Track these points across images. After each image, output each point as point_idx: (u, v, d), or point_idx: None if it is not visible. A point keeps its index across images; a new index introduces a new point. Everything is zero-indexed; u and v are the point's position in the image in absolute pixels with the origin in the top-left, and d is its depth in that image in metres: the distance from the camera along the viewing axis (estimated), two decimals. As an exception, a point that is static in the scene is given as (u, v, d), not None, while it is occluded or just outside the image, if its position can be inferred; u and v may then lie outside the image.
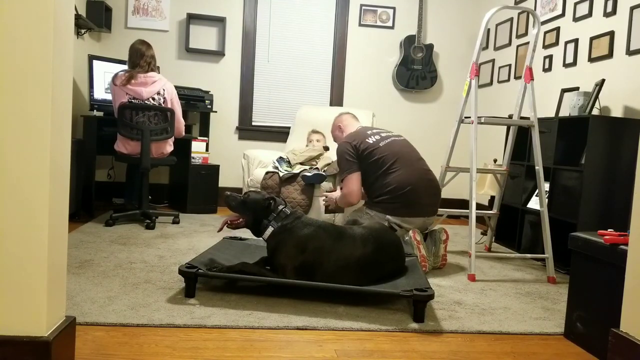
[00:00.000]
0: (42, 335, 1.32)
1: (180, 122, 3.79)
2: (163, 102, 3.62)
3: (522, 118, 3.31)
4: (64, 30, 1.35)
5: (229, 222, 2.33)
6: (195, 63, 4.83)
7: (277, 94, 5.01)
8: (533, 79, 3.06)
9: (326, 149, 4.11)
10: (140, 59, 3.58)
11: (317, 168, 3.91)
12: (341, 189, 3.13)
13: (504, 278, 2.77)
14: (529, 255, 3.02)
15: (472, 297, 2.38)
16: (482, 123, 3.02)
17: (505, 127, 3.80)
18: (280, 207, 2.33)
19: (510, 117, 3.70)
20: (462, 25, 5.07)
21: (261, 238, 2.33)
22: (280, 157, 4.01)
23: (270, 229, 2.27)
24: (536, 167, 2.92)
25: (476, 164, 2.94)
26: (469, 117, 2.99)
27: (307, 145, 4.30)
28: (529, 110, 3.02)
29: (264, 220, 2.29)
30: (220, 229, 2.37)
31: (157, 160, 3.69)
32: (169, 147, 3.76)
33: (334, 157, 4.05)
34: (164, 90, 3.63)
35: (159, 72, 3.84)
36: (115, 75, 3.57)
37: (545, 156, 3.31)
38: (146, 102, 3.54)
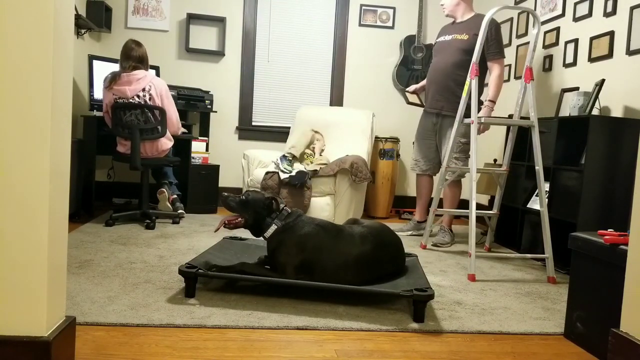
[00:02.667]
0: (42, 335, 1.32)
1: (173, 120, 3.73)
2: (149, 99, 3.55)
3: (522, 118, 3.32)
4: (64, 30, 1.35)
5: (226, 222, 2.31)
6: (195, 63, 4.83)
7: (277, 94, 5.01)
8: (533, 79, 3.06)
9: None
10: (126, 60, 3.57)
11: (315, 170, 3.89)
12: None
13: (504, 278, 2.77)
14: (529, 256, 3.06)
15: (472, 297, 2.38)
16: (481, 123, 3.06)
17: (505, 127, 3.80)
18: (282, 205, 2.34)
19: (511, 117, 3.70)
20: (462, 25, 5.06)
21: (261, 237, 2.33)
22: (283, 155, 4.02)
23: (273, 227, 2.26)
24: (536, 167, 2.92)
25: (476, 164, 2.95)
26: (469, 117, 3.03)
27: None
28: (531, 111, 3.02)
29: (266, 218, 2.29)
30: (218, 229, 2.33)
31: (155, 159, 3.67)
32: (165, 144, 3.69)
33: (332, 158, 4.08)
34: (150, 86, 3.56)
35: (157, 72, 3.84)
36: (105, 78, 3.59)
37: (545, 156, 3.31)
38: (131, 100, 3.51)
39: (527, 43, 4.14)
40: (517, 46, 4.33)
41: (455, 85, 3.57)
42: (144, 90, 3.54)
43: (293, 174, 3.78)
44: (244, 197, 2.32)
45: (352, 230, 2.29)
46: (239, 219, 2.31)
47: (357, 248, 2.22)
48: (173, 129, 3.76)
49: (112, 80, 3.50)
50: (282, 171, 3.89)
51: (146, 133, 3.54)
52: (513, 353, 1.79)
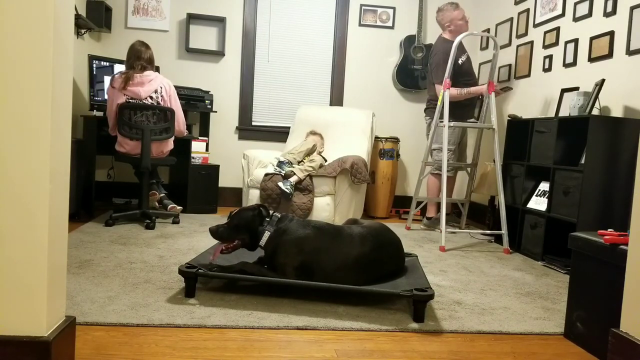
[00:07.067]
0: (42, 335, 1.32)
1: (180, 122, 3.78)
2: (161, 100, 3.61)
3: (515, 119, 3.72)
4: (64, 30, 1.35)
5: (223, 248, 2.26)
6: (195, 63, 4.83)
7: (277, 94, 5.01)
8: (495, 90, 3.81)
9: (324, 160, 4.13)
10: (136, 60, 3.58)
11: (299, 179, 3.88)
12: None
13: (503, 278, 2.77)
14: (488, 232, 3.81)
15: (472, 297, 2.38)
16: (452, 126, 3.78)
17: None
18: (271, 211, 2.34)
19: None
20: (462, 25, 5.06)
21: (258, 247, 2.29)
22: (280, 162, 3.99)
23: (267, 234, 2.24)
24: (496, 163, 3.44)
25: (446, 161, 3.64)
26: (442, 122, 3.67)
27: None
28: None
29: (259, 228, 2.27)
30: (214, 258, 2.27)
31: (156, 159, 3.69)
32: (169, 146, 3.76)
33: (331, 158, 4.08)
34: (161, 88, 3.63)
35: (158, 72, 3.85)
36: (113, 78, 3.58)
37: (545, 156, 3.31)
38: (144, 101, 3.54)
39: (528, 43, 4.15)
40: (517, 46, 4.33)
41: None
42: (156, 91, 3.59)
43: (286, 188, 3.79)
44: (233, 221, 2.26)
45: (351, 231, 2.28)
46: (236, 242, 2.27)
47: (357, 249, 2.21)
48: (179, 129, 3.80)
49: (126, 81, 3.51)
50: (279, 174, 3.89)
51: (155, 134, 3.57)
52: (513, 353, 1.79)
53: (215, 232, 2.26)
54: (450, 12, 4.11)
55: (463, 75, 4.07)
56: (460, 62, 4.06)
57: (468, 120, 4.16)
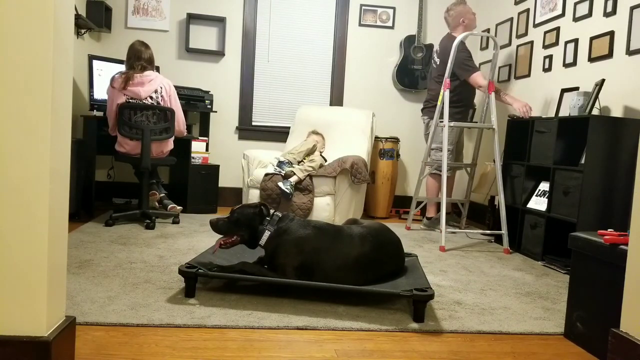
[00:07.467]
0: (42, 335, 1.32)
1: (179, 122, 3.79)
2: (161, 100, 3.62)
3: (515, 119, 3.73)
4: (64, 30, 1.35)
5: (222, 242, 2.28)
6: (195, 63, 4.83)
7: (277, 94, 5.01)
8: (495, 90, 3.82)
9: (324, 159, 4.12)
10: (136, 60, 3.59)
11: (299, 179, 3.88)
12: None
13: (504, 278, 2.77)
14: (488, 232, 3.82)
15: (472, 297, 2.38)
16: (452, 126, 3.80)
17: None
18: (272, 210, 2.34)
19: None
20: (462, 25, 5.06)
21: (258, 246, 2.30)
22: (280, 162, 3.99)
23: (267, 233, 2.25)
24: (495, 163, 3.52)
25: (446, 160, 3.66)
26: (442, 121, 3.70)
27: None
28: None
29: (259, 227, 2.27)
30: (215, 251, 2.32)
31: (156, 160, 3.69)
32: (169, 146, 3.75)
33: (331, 158, 4.08)
34: (161, 88, 3.63)
35: (158, 72, 3.85)
36: (113, 78, 3.58)
37: (545, 156, 3.31)
38: (144, 101, 3.54)
39: (528, 43, 4.15)
40: (517, 46, 4.33)
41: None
42: (156, 91, 3.59)
43: (286, 188, 3.79)
44: (233, 215, 2.28)
45: (351, 231, 2.28)
46: (235, 238, 2.28)
47: (357, 249, 2.22)
48: (179, 129, 3.80)
49: (126, 81, 3.50)
50: (279, 174, 3.89)
51: (155, 134, 3.57)
52: (513, 353, 1.79)
53: (215, 224, 2.28)
54: (462, 7, 4.14)
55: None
56: None
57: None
